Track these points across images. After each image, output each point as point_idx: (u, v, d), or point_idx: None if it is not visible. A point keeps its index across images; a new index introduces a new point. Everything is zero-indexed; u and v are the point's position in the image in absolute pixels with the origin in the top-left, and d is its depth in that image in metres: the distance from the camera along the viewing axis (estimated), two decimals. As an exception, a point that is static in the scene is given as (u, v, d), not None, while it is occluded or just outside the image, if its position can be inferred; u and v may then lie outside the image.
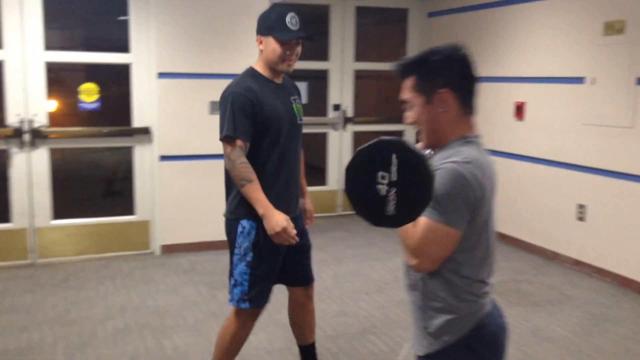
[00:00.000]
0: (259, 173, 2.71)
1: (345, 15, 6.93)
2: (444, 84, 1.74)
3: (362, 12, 7.04)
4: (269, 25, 2.73)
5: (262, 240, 2.77)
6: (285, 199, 2.83)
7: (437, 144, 1.80)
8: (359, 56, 7.09)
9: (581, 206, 5.13)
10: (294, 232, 2.67)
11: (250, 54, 5.61)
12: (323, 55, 6.96)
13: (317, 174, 7.21)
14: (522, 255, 5.55)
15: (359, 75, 7.16)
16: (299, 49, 2.79)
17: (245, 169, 2.67)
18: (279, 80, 2.83)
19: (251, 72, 2.81)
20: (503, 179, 6.08)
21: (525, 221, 5.73)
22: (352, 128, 7.11)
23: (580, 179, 5.14)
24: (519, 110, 5.76)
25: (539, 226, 5.58)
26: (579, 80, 5.11)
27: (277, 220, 2.64)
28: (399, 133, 7.29)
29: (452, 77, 1.75)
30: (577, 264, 5.16)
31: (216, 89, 5.54)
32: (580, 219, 5.14)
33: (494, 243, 1.83)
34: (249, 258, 2.82)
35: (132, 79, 5.40)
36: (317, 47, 7.06)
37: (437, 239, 1.67)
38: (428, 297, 1.79)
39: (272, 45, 2.72)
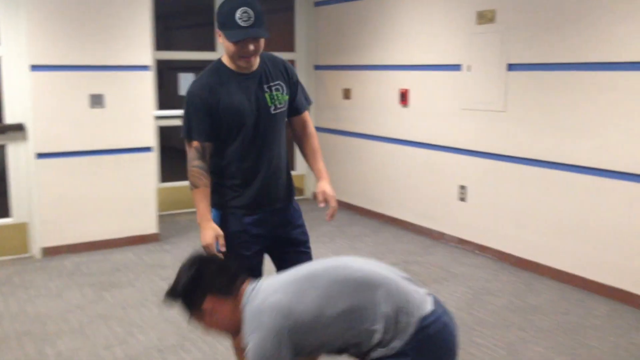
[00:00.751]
0: (230, 169, 2.66)
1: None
2: (202, 297, 1.97)
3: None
4: (220, 20, 2.54)
5: (227, 230, 2.66)
6: (265, 193, 2.68)
7: (238, 330, 1.99)
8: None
9: (462, 187, 5.38)
10: (221, 249, 2.58)
11: (130, 44, 5.50)
12: (210, 45, 6.85)
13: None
14: (411, 237, 5.74)
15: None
16: (257, 45, 2.55)
17: (195, 173, 2.60)
18: (248, 70, 2.63)
19: (216, 65, 2.67)
20: (390, 164, 6.27)
21: (413, 204, 5.93)
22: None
23: (460, 161, 5.39)
24: (404, 97, 5.94)
25: (425, 208, 5.80)
26: (456, 67, 5.34)
27: (203, 236, 2.59)
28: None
29: (202, 288, 1.98)
30: (461, 242, 5.41)
31: (96, 82, 5.40)
32: (462, 199, 5.39)
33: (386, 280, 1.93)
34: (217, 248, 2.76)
35: (1, 73, 5.08)
36: (205, 37, 6.94)
37: None
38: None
39: (226, 42, 2.54)
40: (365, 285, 1.90)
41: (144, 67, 5.50)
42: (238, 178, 2.69)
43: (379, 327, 1.84)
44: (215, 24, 2.60)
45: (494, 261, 5.04)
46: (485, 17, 5.06)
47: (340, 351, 1.96)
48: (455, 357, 1.92)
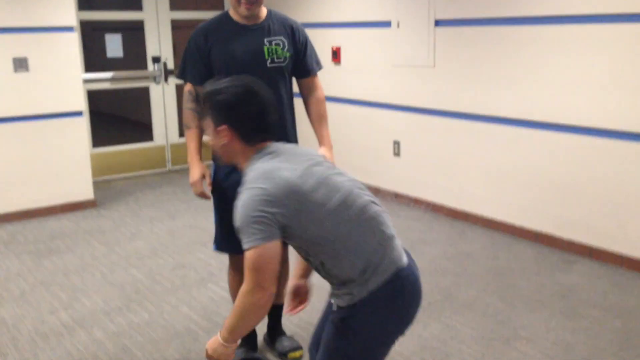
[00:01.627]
0: None
1: (156, -37, 6.66)
2: (223, 121, 1.98)
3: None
4: None
5: (220, 181, 2.76)
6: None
7: (236, 166, 2.04)
8: (175, 4, 6.89)
9: (396, 142, 5.53)
10: (206, 190, 2.67)
11: (52, 3, 5.28)
12: (137, 4, 6.67)
13: (144, 130, 7.00)
14: (347, 193, 5.88)
15: (177, 26, 6.97)
16: None
17: (188, 115, 2.72)
18: (250, 22, 2.71)
19: (221, 15, 2.78)
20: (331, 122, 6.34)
21: (348, 160, 6.06)
22: (174, 80, 6.95)
23: (393, 117, 5.53)
24: (336, 54, 6.00)
25: (361, 164, 5.94)
26: (386, 24, 5.43)
27: (191, 174, 2.71)
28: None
29: (229, 115, 1.97)
30: (397, 196, 5.60)
31: (19, 44, 5.19)
32: (396, 154, 5.55)
33: (363, 205, 1.91)
34: (213, 199, 2.85)
35: None
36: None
37: (264, 261, 1.81)
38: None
39: None
40: (369, 222, 1.91)
41: (68, 29, 5.32)
42: None
43: (360, 263, 1.87)
44: None
45: (428, 213, 5.25)
46: (414, -26, 5.15)
47: (315, 265, 1.97)
48: (419, 303, 2.02)
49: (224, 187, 2.75)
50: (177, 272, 4.10)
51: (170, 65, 6.89)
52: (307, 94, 2.92)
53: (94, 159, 6.29)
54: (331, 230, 1.87)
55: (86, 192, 5.57)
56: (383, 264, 1.89)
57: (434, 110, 5.14)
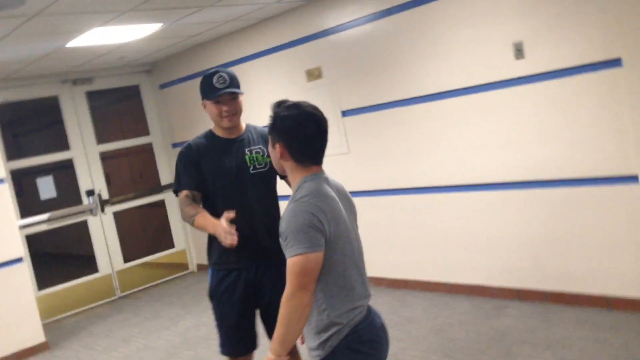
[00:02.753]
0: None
1: (76, 102, 7.00)
2: (280, 139, 2.17)
3: (94, 96, 7.18)
4: (202, 90, 3.02)
5: (215, 286, 3.02)
6: (237, 250, 2.80)
7: (289, 182, 2.29)
8: (102, 138, 7.20)
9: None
10: (230, 230, 2.72)
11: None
12: (63, 144, 6.94)
13: (87, 263, 7.10)
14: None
15: (107, 157, 7.26)
16: (236, 104, 2.99)
17: (190, 208, 2.91)
18: (233, 136, 3.03)
19: (205, 133, 3.10)
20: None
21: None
22: (111, 209, 7.16)
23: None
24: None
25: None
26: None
27: (219, 230, 2.72)
28: (159, 203, 7.52)
29: (285, 135, 2.16)
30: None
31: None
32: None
33: (359, 261, 2.21)
34: (212, 305, 3.09)
35: None
36: (55, 137, 7.03)
37: (309, 267, 2.01)
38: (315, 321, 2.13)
39: (209, 107, 2.99)
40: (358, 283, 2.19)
41: (-1, 181, 5.52)
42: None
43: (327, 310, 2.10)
44: (200, 96, 3.05)
45: (372, 287, 5.49)
46: (313, 75, 5.65)
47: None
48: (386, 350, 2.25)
49: (219, 292, 3.01)
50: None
51: (105, 195, 7.11)
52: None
53: (42, 301, 6.33)
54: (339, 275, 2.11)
55: (37, 336, 5.59)
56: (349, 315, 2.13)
57: (356, 192, 5.50)
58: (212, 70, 3.02)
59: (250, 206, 2.97)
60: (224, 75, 2.97)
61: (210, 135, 3.10)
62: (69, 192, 7.08)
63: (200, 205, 2.99)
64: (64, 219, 6.87)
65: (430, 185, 4.92)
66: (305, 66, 5.69)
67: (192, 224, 2.92)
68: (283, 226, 2.08)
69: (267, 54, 6.00)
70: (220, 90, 2.94)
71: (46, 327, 6.00)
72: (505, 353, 3.67)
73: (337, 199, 2.19)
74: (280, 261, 2.97)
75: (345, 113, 5.44)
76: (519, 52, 4.16)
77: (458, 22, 4.46)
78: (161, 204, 7.61)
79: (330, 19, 5.35)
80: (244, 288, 2.99)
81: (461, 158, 4.67)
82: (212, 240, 3.02)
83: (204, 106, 3.04)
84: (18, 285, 5.54)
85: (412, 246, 5.17)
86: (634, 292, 3.93)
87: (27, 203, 6.75)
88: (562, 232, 4.18)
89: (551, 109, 4.09)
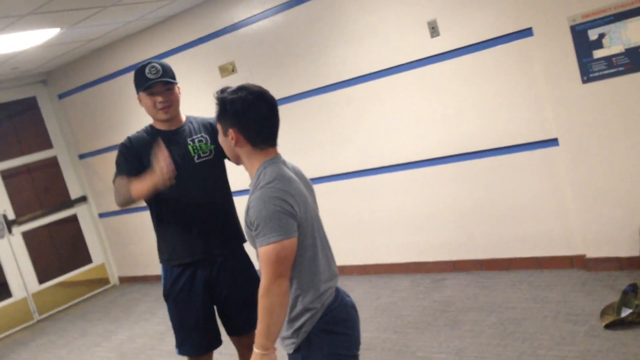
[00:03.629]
0: (159, 221, 2.87)
1: (-31, 120, 6.52)
2: (232, 124, 2.07)
3: (-13, 112, 6.71)
4: (135, 83, 2.88)
5: (170, 285, 2.89)
6: (189, 242, 2.81)
7: (246, 169, 2.15)
8: (0, 155, 6.74)
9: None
10: (167, 167, 2.62)
11: None
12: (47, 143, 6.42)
13: (0, 289, 6.62)
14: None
15: (8, 175, 6.80)
16: (170, 95, 2.85)
17: (123, 182, 2.77)
18: (174, 127, 2.91)
19: (145, 127, 2.98)
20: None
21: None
22: (19, 229, 6.72)
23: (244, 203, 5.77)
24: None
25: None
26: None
27: (155, 177, 2.62)
28: (71, 218, 7.14)
29: (237, 118, 2.06)
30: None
31: None
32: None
33: (325, 242, 2.17)
34: (168, 306, 2.96)
35: None
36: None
37: (285, 254, 1.95)
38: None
39: (144, 100, 2.87)
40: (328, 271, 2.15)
41: None
42: (171, 227, 2.88)
43: (300, 294, 2.06)
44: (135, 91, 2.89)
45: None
46: (226, 70, 5.55)
47: None
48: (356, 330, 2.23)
49: (175, 292, 2.89)
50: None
51: (11, 215, 6.67)
52: None
53: (-47, 335, 5.85)
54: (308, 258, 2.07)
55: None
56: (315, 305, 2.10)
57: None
58: (145, 62, 2.90)
59: (198, 197, 2.87)
60: (156, 65, 2.86)
61: (149, 129, 2.98)
62: (-31, 216, 6.58)
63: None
64: (-31, 244, 6.38)
65: (358, 169, 4.97)
66: (217, 62, 5.58)
67: (130, 195, 2.75)
68: (252, 215, 2.01)
69: (176, 52, 5.83)
70: (152, 80, 2.82)
71: (-37, 361, 5.56)
72: (452, 321, 3.78)
73: (298, 181, 2.16)
74: (234, 253, 2.96)
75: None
76: (433, 30, 4.28)
77: (370, 5, 4.53)
78: (73, 219, 7.23)
79: (240, 12, 5.27)
80: (202, 285, 2.89)
81: (386, 139, 4.74)
82: (163, 236, 2.92)
83: (140, 100, 2.91)
84: None
85: (346, 232, 5.20)
86: (562, 251, 4.15)
87: None
88: (490, 200, 4.34)
89: (469, 82, 4.24)
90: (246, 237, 2.15)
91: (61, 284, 6.96)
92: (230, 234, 2.96)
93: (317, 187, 5.22)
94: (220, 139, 2.19)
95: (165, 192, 2.77)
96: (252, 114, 2.08)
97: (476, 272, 4.47)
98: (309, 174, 5.24)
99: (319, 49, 4.89)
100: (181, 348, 2.98)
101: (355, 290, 4.82)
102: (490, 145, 4.25)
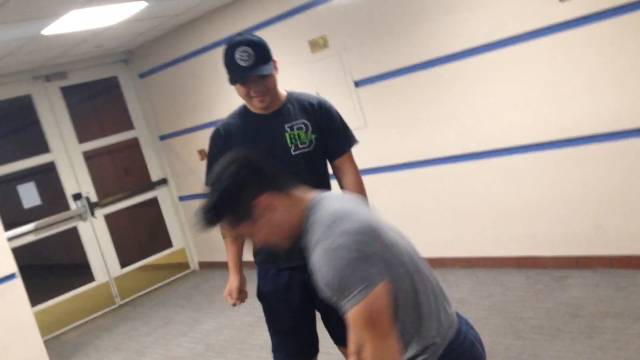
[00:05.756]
0: None
1: (52, 100, 6.40)
2: (252, 196, 1.63)
3: (69, 92, 6.58)
4: (225, 67, 2.45)
5: (264, 286, 2.61)
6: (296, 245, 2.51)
7: (293, 237, 1.69)
8: (83, 136, 6.62)
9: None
10: (234, 301, 2.62)
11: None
12: (42, 147, 6.34)
13: (83, 272, 6.54)
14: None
15: (89, 157, 6.68)
16: (266, 83, 2.43)
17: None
18: (269, 110, 2.52)
19: (239, 108, 2.62)
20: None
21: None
22: (101, 212, 6.60)
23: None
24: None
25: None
26: (305, 98, 5.38)
27: (229, 283, 2.62)
28: (151, 201, 6.99)
29: (252, 185, 1.64)
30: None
31: None
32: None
33: (423, 267, 1.74)
34: (262, 307, 2.69)
35: None
36: (32, 140, 6.44)
37: (379, 308, 1.52)
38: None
39: (236, 87, 2.48)
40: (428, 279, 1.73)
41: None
42: None
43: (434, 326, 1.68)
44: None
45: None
46: (317, 45, 5.17)
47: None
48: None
49: (270, 293, 2.58)
50: None
51: (93, 198, 6.55)
52: (339, 177, 2.66)
53: (36, 318, 5.76)
54: (413, 287, 1.65)
55: (40, 356, 5.05)
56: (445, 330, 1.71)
57: (376, 169, 5.07)
58: (235, 40, 2.43)
59: None
60: (248, 50, 2.39)
61: (243, 112, 2.59)
62: (53, 197, 6.51)
63: None
64: (53, 227, 6.29)
65: (462, 153, 4.51)
66: (308, 36, 5.20)
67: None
68: (322, 280, 1.56)
69: (262, 27, 5.48)
70: (244, 71, 2.40)
71: (46, 344, 5.45)
72: (587, 329, 3.29)
73: (362, 208, 1.71)
74: None
75: (358, 83, 4.97)
76: (563, -7, 3.74)
77: (486, -31, 4.03)
78: (153, 202, 7.07)
79: (334, -19, 4.87)
80: (300, 288, 2.53)
81: (496, 119, 4.25)
82: None
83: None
84: (14, 302, 4.98)
85: (446, 221, 4.75)
86: None
87: (9, 214, 6.15)
88: (626, 189, 3.79)
89: (605, 54, 3.69)
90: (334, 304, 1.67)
91: (142, 268, 6.82)
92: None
93: (415, 172, 4.84)
94: (246, 229, 1.68)
95: None
96: (243, 180, 1.64)
97: (606, 270, 3.94)
98: (405, 157, 4.85)
99: (424, 17, 4.42)
100: (276, 353, 2.65)
101: (461, 286, 4.38)
102: (629, 125, 3.69)
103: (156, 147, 7.04)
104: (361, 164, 5.10)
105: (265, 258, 2.58)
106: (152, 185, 7.02)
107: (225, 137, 2.56)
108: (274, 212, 1.64)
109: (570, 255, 4.12)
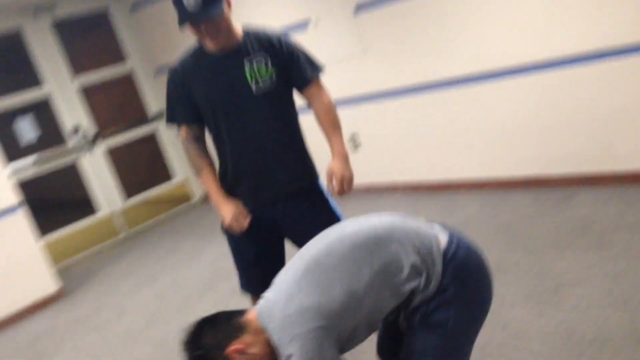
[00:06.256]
0: (222, 159, 2.52)
1: (42, 35, 6.23)
2: (221, 355, 1.75)
3: (60, 27, 6.40)
4: (173, 3, 2.32)
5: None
6: (243, 184, 2.47)
7: (274, 355, 1.77)
8: (77, 70, 6.48)
9: (353, 137, 5.36)
10: (244, 224, 2.46)
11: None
12: (34, 81, 6.21)
13: (86, 207, 6.52)
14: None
15: (83, 90, 6.55)
16: (217, 24, 2.31)
17: (193, 158, 2.51)
18: (225, 49, 2.40)
19: (194, 47, 2.51)
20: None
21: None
22: (101, 146, 6.54)
23: (341, 113, 5.34)
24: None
25: (321, 169, 5.73)
26: (304, 24, 5.25)
27: (222, 215, 2.48)
28: (149, 135, 6.92)
29: (217, 346, 1.75)
30: (368, 191, 5.41)
31: None
32: (356, 148, 5.38)
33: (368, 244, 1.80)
34: (226, 239, 2.65)
35: None
36: (22, 72, 6.29)
37: None
38: None
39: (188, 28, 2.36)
40: (375, 244, 1.78)
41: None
42: (229, 170, 2.51)
43: (409, 277, 1.75)
44: None
45: (407, 195, 5.11)
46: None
47: (385, 319, 1.87)
48: (489, 273, 1.88)
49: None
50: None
51: (92, 130, 6.47)
52: (311, 105, 2.57)
53: (43, 249, 5.79)
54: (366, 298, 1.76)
55: (49, 284, 5.10)
56: (432, 266, 1.79)
57: (382, 93, 5.02)
58: None
59: (257, 137, 2.44)
60: None
61: (199, 51, 2.47)
62: (51, 134, 6.42)
63: (204, 148, 2.52)
64: (52, 160, 6.25)
65: (467, 75, 4.45)
66: (308, -42, 5.05)
67: (197, 176, 2.55)
68: None
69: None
70: (190, 16, 2.28)
71: (56, 274, 5.49)
72: (597, 242, 3.33)
73: (294, 287, 1.78)
74: (298, 193, 2.53)
75: (359, 8, 4.85)
76: None
77: None
78: (151, 136, 7.00)
79: None
80: (263, 225, 2.53)
81: (501, 39, 4.18)
82: (222, 176, 2.56)
83: None
84: (19, 233, 5.00)
85: (452, 144, 4.74)
86: None
87: (6, 149, 6.08)
88: (631, 106, 3.77)
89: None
90: None
91: (143, 201, 6.82)
92: (292, 177, 2.54)
93: (422, 96, 4.80)
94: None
95: (222, 135, 2.45)
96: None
97: (616, 188, 3.95)
98: (412, 80, 4.79)
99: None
100: (241, 285, 2.70)
101: (469, 207, 4.41)
102: (633, 40, 3.63)
103: (151, 81, 6.92)
104: (358, 91, 5.09)
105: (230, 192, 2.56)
106: (148, 120, 6.93)
107: (183, 77, 2.48)
108: (247, 352, 1.75)
109: (580, 174, 4.13)
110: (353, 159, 5.35)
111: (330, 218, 2.53)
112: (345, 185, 2.49)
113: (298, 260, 1.84)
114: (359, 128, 5.32)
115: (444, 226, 1.92)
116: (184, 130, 2.51)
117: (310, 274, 1.75)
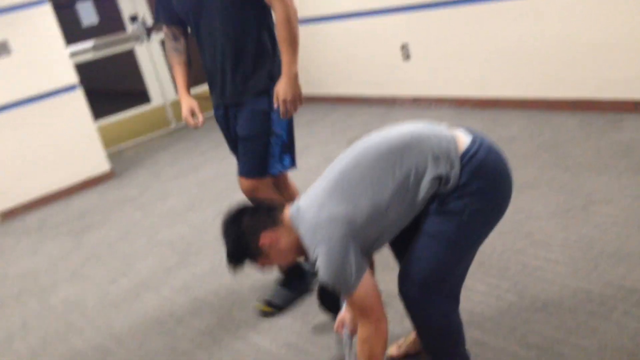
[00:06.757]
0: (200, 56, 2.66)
1: None
2: (255, 241, 1.91)
3: None
4: None
5: (214, 114, 2.76)
6: (214, 82, 2.65)
7: (302, 251, 1.94)
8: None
9: (403, 46, 5.30)
10: (194, 121, 2.67)
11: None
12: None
13: (139, 96, 6.72)
14: (365, 110, 5.69)
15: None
16: None
17: (170, 55, 2.71)
18: None
19: None
20: (329, 43, 6.06)
21: (358, 76, 5.85)
22: (157, 37, 6.65)
23: (393, 22, 5.28)
24: (321, -30, 5.71)
25: (372, 76, 5.73)
26: None
27: (182, 109, 2.69)
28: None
29: (253, 232, 1.91)
30: (416, 101, 5.41)
31: None
32: (406, 58, 5.33)
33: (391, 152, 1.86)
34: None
35: None
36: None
37: (367, 294, 1.84)
38: None
39: None
40: (399, 154, 1.84)
41: (40, 2, 5.00)
42: (204, 69, 2.67)
43: (430, 184, 1.82)
44: None
45: (453, 109, 5.08)
46: None
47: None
48: (509, 174, 1.91)
49: (217, 121, 2.74)
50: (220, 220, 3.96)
51: (149, 21, 6.57)
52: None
53: (98, 131, 6.05)
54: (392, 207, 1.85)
55: (101, 164, 5.38)
56: (450, 168, 1.83)
57: (435, 4, 4.90)
58: None
59: (220, 41, 2.50)
60: None
61: None
62: (110, 20, 6.55)
63: (180, 47, 2.68)
64: (110, 46, 6.41)
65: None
66: None
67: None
68: (325, 278, 1.84)
69: None
70: None
71: (108, 157, 5.77)
72: (636, 166, 3.29)
73: (325, 197, 1.89)
74: (248, 101, 2.56)
75: None
76: None
77: None
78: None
79: None
80: (233, 120, 2.68)
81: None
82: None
83: None
84: (76, 112, 5.24)
85: (499, 61, 4.64)
86: None
87: (67, 31, 6.25)
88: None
89: None
90: None
91: (196, 96, 6.93)
92: (244, 84, 2.55)
93: (469, 9, 4.67)
94: (264, 263, 2.00)
95: (196, 36, 2.58)
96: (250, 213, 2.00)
97: (664, 116, 3.86)
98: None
99: None
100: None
101: (512, 125, 4.37)
102: None
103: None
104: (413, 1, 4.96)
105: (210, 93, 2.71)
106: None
107: None
108: (278, 243, 1.92)
109: (629, 99, 4.02)
110: (403, 69, 5.36)
111: (262, 134, 2.60)
112: (289, 106, 2.49)
113: (329, 171, 1.96)
114: (409, 39, 5.24)
115: (469, 129, 1.94)
116: (165, 29, 2.68)
117: (340, 185, 1.87)
